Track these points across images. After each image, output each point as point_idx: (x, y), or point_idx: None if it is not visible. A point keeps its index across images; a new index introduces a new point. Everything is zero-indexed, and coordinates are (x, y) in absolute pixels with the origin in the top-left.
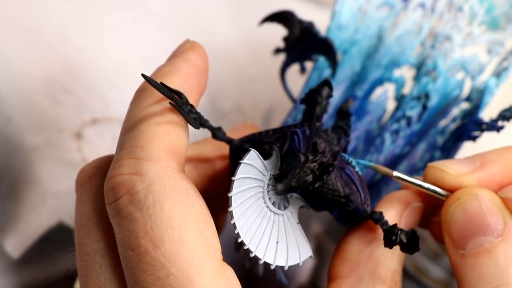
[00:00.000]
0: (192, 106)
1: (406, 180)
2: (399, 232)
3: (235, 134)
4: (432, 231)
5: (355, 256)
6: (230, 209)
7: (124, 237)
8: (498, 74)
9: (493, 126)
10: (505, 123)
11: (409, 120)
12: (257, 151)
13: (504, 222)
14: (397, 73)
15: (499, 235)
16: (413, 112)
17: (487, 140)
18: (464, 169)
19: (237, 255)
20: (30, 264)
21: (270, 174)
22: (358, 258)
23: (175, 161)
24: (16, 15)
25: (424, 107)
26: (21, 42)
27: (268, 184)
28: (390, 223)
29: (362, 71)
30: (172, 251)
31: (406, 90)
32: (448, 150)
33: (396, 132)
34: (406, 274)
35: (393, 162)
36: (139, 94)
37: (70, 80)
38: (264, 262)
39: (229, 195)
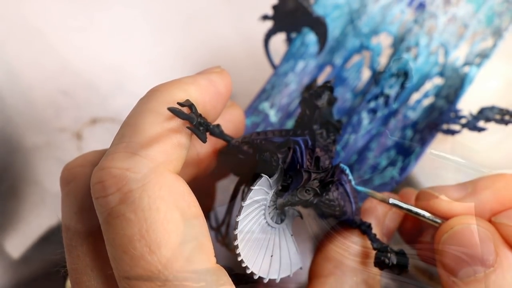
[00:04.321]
0: (202, 117)
1: (402, 208)
2: (391, 255)
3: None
4: (419, 251)
5: (339, 254)
6: (235, 232)
7: (116, 238)
8: (479, 64)
9: (475, 126)
10: (487, 125)
11: (387, 99)
12: (256, 155)
13: (496, 252)
14: (374, 40)
15: (491, 265)
16: (392, 91)
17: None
18: (456, 195)
19: (232, 256)
20: (30, 264)
21: (273, 191)
22: (342, 256)
23: (172, 164)
24: (16, 15)
25: (402, 86)
26: (21, 42)
27: (270, 200)
28: (373, 226)
29: (342, 37)
30: (169, 256)
31: (383, 59)
32: (424, 139)
33: (374, 111)
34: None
35: (367, 142)
36: (151, 93)
37: (70, 80)
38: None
39: (237, 219)
